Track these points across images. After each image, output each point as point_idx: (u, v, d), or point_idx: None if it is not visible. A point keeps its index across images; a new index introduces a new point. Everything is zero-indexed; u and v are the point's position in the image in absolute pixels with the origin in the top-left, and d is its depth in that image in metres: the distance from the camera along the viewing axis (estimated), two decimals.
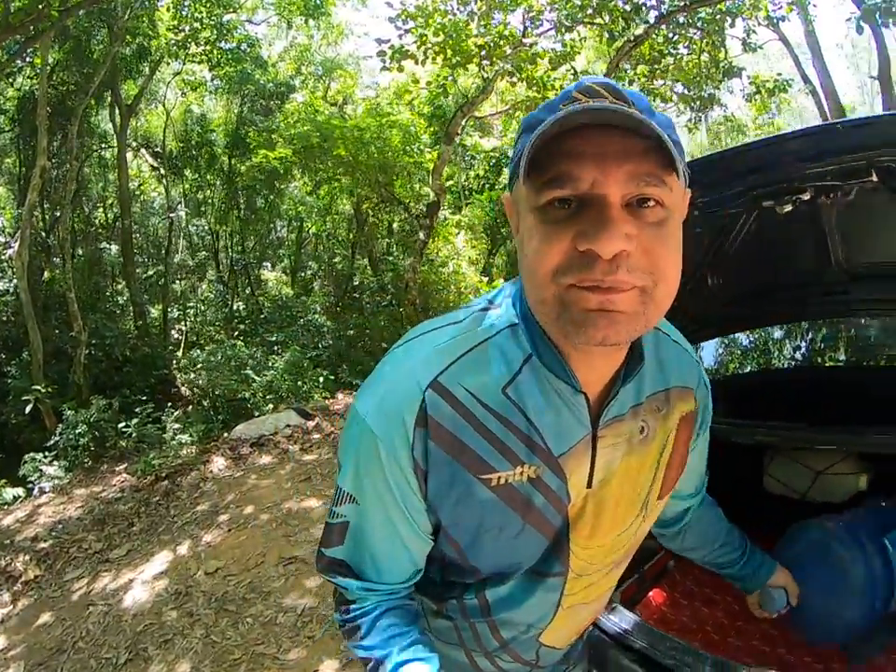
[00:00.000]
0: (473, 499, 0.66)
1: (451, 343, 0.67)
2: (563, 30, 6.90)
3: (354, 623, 0.75)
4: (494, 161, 12.24)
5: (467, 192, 12.12)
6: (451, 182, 10.95)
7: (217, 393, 6.83)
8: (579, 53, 7.90)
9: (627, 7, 6.11)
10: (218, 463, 4.68)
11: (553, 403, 0.66)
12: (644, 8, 6.18)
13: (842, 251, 1.55)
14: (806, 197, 1.23)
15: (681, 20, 6.72)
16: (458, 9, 6.39)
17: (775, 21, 7.83)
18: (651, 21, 6.53)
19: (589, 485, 0.70)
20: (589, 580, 0.78)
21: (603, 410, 0.68)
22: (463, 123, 7.74)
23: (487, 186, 12.33)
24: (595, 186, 0.53)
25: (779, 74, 8.70)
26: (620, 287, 0.54)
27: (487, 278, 10.56)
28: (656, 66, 7.85)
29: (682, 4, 5.97)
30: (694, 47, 7.57)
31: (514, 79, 7.09)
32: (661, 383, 0.74)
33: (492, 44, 6.19)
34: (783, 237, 1.59)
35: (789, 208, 1.26)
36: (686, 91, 8.38)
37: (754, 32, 7.45)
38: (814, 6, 6.54)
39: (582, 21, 6.70)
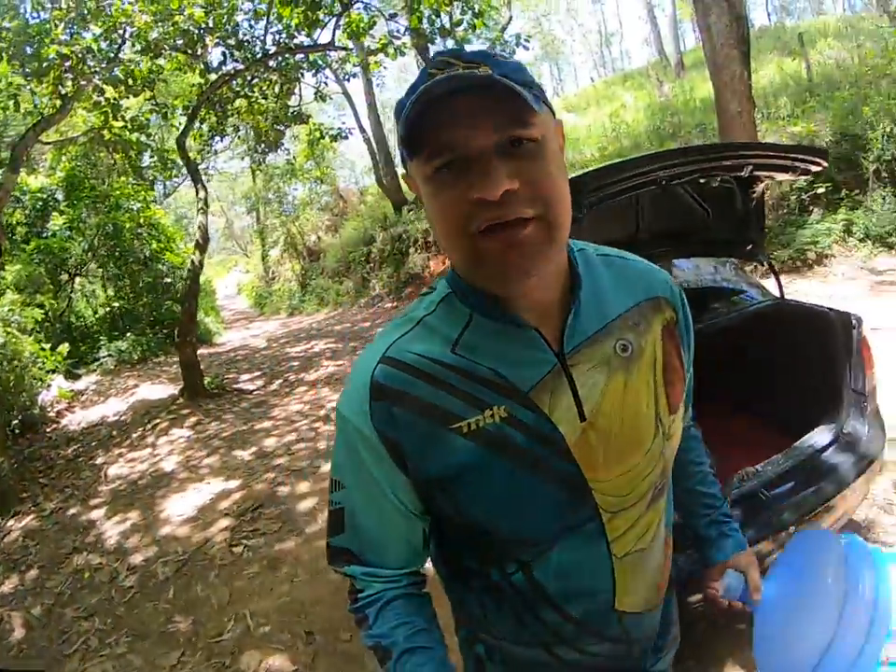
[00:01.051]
0: (451, 451, 0.69)
1: (393, 327, 0.76)
2: (150, 55, 6.40)
3: (362, 613, 0.79)
4: (41, 203, 10.09)
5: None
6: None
7: None
8: (160, 81, 7.43)
9: (231, 41, 6.15)
10: None
11: (507, 346, 0.71)
12: (247, 45, 6.35)
13: (644, 223, 2.34)
14: (624, 197, 1.92)
15: (272, 62, 7.15)
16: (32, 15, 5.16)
17: (345, 76, 9.15)
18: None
19: (583, 418, 0.71)
20: (630, 516, 0.75)
21: (563, 339, 0.72)
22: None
23: (34, 234, 10.09)
24: (468, 144, 0.60)
25: (343, 122, 10.22)
26: (519, 221, 0.61)
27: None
28: (229, 107, 7.98)
29: (288, 45, 6.40)
30: (269, 91, 8.12)
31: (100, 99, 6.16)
32: (628, 299, 0.77)
33: (79, 55, 5.25)
34: (616, 217, 2.26)
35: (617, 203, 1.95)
36: (253, 133, 8.88)
37: (325, 84, 8.54)
38: (385, 67, 7.88)
39: (174, 48, 6.38)
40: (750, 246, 2.61)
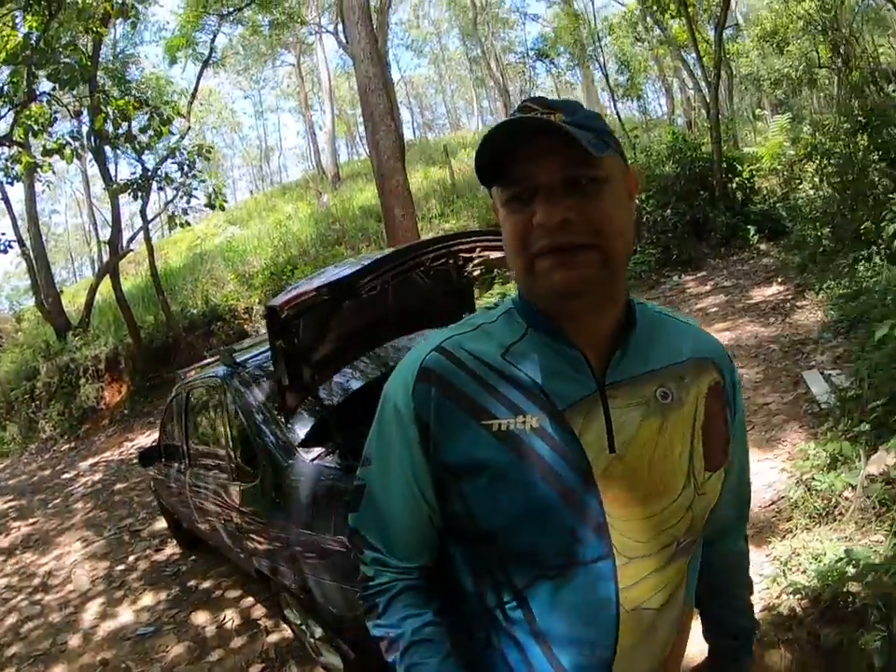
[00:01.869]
0: (477, 443, 0.72)
1: (453, 327, 0.83)
2: None
3: (372, 602, 0.81)
4: None
5: None
6: None
7: None
8: None
9: None
10: None
11: (553, 362, 0.75)
12: None
13: (392, 305, 2.84)
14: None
15: None
16: None
17: (9, 180, 7.91)
18: None
19: (612, 449, 0.72)
20: (645, 566, 0.73)
21: (607, 370, 0.75)
22: None
23: None
24: (537, 178, 0.69)
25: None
26: (572, 245, 0.68)
27: None
28: None
29: None
30: None
31: None
32: (678, 354, 0.80)
33: None
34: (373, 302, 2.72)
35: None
36: None
37: None
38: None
39: None
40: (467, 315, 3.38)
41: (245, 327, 10.07)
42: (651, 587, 0.74)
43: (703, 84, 10.59)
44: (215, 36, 14.89)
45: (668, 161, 10.51)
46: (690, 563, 0.81)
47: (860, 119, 6.48)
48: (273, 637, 2.90)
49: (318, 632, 2.38)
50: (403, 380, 0.77)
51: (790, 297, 6.70)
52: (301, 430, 2.34)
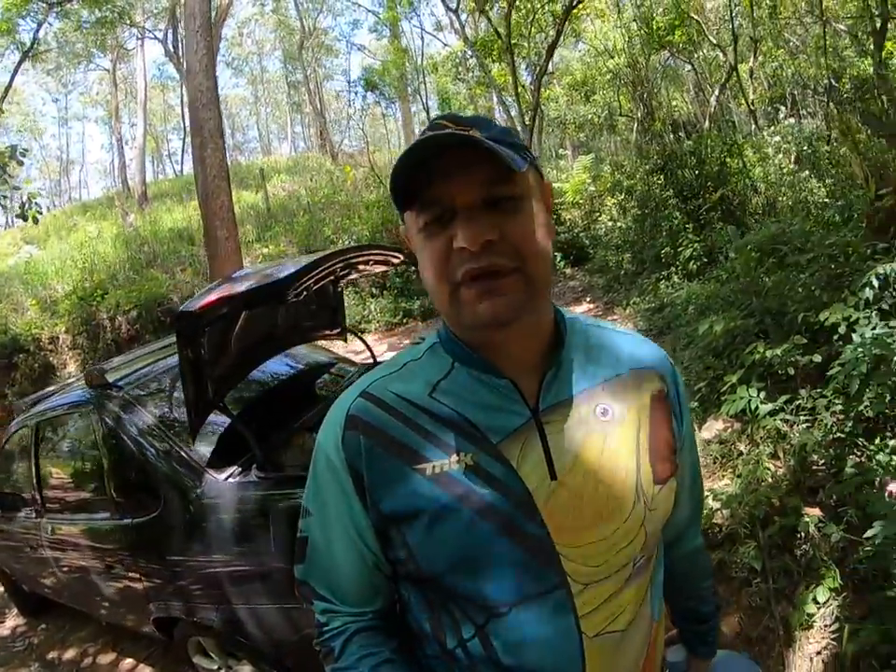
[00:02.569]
0: (412, 489, 0.70)
1: (378, 369, 0.81)
2: None
3: (328, 647, 0.79)
4: None
5: None
6: None
7: None
8: None
9: None
10: None
11: (482, 394, 0.73)
12: None
13: (281, 320, 2.82)
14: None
15: None
16: None
17: None
18: None
19: (553, 476, 0.71)
20: (602, 591, 0.72)
21: (539, 395, 0.73)
22: None
23: None
24: (454, 199, 0.66)
25: None
26: (496, 270, 0.66)
27: None
28: None
29: None
30: None
31: None
32: (614, 368, 0.78)
33: None
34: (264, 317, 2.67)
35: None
36: None
37: None
38: None
39: None
40: (338, 329, 3.41)
41: (52, 359, 8.71)
42: (611, 611, 0.73)
43: (519, 125, 11.85)
44: (39, 26, 13.05)
45: None
46: (652, 578, 0.79)
47: (658, 161, 7.67)
48: None
49: (246, 671, 2.20)
50: (333, 429, 0.76)
51: (600, 313, 7.77)
52: (205, 450, 2.16)
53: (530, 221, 0.69)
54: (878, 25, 6.78)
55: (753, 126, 9.65)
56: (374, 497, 0.72)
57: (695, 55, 12.10)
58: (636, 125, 13.59)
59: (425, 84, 14.25)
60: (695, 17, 10.87)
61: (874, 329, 2.48)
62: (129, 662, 2.96)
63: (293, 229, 11.71)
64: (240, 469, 2.07)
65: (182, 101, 25.50)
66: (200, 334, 1.95)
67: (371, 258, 2.87)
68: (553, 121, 17.00)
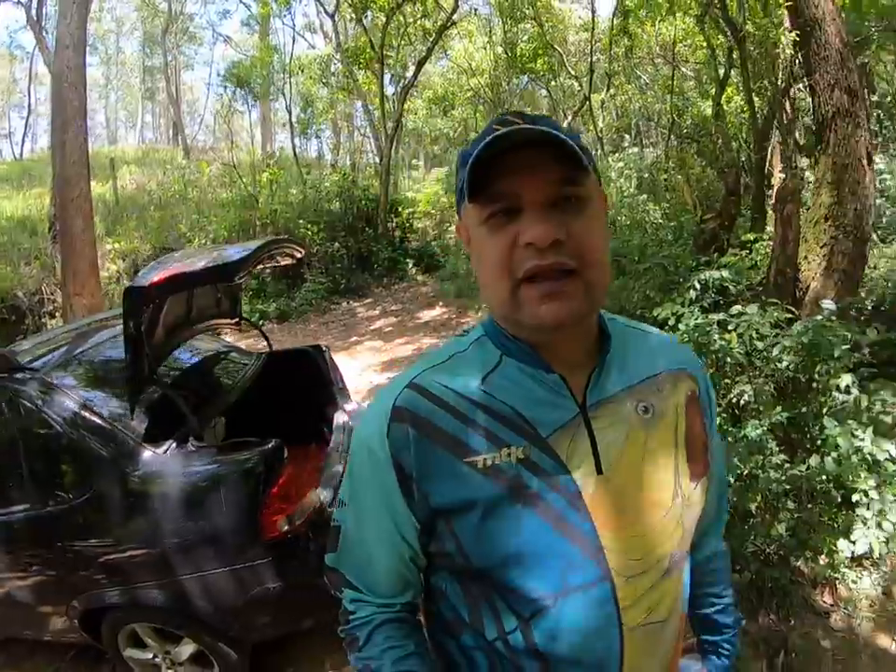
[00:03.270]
0: (463, 483, 0.72)
1: (424, 360, 0.82)
2: None
3: (353, 635, 0.82)
4: None
5: None
6: None
7: None
8: None
9: None
10: None
11: (532, 389, 0.75)
12: None
13: (194, 309, 2.88)
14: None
15: None
16: None
17: None
18: None
19: (600, 471, 0.73)
20: (643, 584, 0.74)
21: (586, 392, 0.76)
22: None
23: None
24: (524, 195, 0.67)
25: None
26: (560, 271, 0.68)
27: None
28: None
29: None
30: None
31: None
32: (653, 367, 0.82)
33: None
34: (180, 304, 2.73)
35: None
36: None
37: None
38: None
39: None
40: (237, 319, 3.50)
41: None
42: (650, 604, 0.75)
43: (381, 134, 12.25)
44: None
45: (336, 199, 11.80)
46: (684, 572, 0.82)
47: None
48: None
49: (188, 650, 2.24)
50: (377, 421, 0.76)
51: (453, 316, 8.44)
52: (137, 426, 2.17)
53: (593, 224, 0.71)
54: (721, 74, 8.01)
55: (600, 151, 10.92)
56: (423, 489, 0.73)
57: (552, 82, 13.33)
58: None
59: (290, 84, 14.11)
60: (558, 48, 12.00)
61: (696, 320, 3.21)
62: None
63: (145, 224, 11.05)
64: (175, 442, 2.14)
65: (30, 75, 22.79)
66: (145, 310, 2.02)
67: (285, 249, 3.04)
68: (409, 132, 17.61)
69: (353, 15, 11.68)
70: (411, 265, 11.22)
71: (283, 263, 3.14)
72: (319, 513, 2.19)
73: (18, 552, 2.26)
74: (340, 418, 3.09)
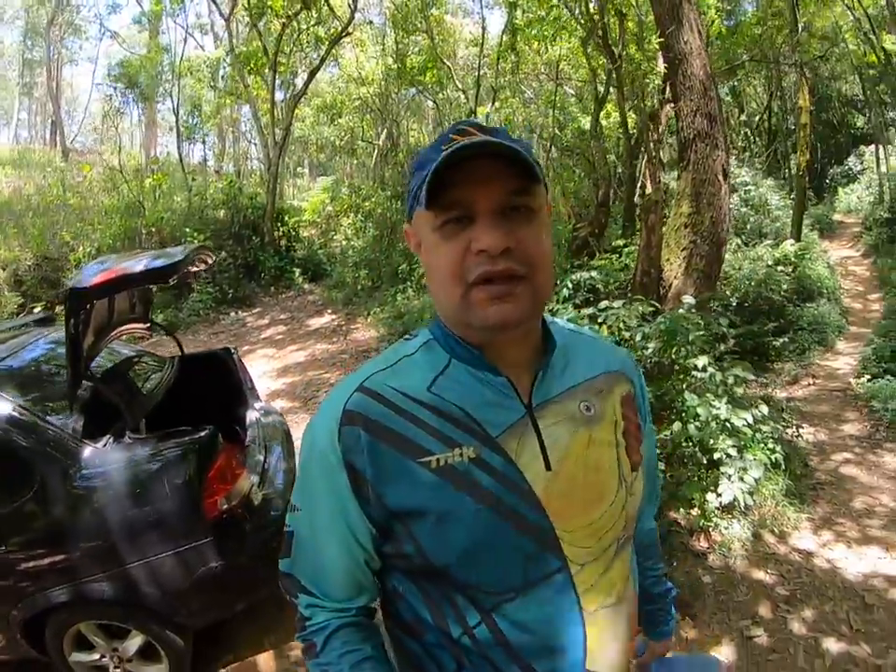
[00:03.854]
0: (418, 483, 0.74)
1: (372, 363, 0.85)
2: None
3: (310, 641, 0.84)
4: None
5: None
6: None
7: None
8: None
9: None
10: None
11: (480, 391, 0.79)
12: None
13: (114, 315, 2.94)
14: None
15: None
16: None
17: None
18: None
19: (548, 467, 0.77)
20: (596, 569, 0.80)
21: (532, 392, 0.80)
22: None
23: None
24: (477, 203, 0.71)
25: None
26: (511, 275, 0.72)
27: None
28: None
29: None
30: None
31: None
32: (593, 369, 0.87)
33: None
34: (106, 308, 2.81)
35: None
36: None
37: None
38: None
39: None
40: (148, 324, 3.56)
41: None
42: (605, 586, 0.80)
43: (269, 141, 12.21)
44: None
45: (223, 207, 11.71)
46: (630, 554, 0.88)
47: (399, 189, 9.06)
48: None
49: (135, 644, 2.33)
50: (327, 425, 0.78)
51: (343, 323, 8.77)
52: (77, 423, 2.25)
53: (540, 232, 0.75)
54: (601, 92, 8.76)
55: None
56: (378, 491, 0.75)
57: (440, 94, 13.89)
58: (376, 151, 14.93)
59: (179, 86, 13.64)
60: (446, 62, 12.54)
61: (569, 315, 3.81)
62: None
63: (24, 231, 10.29)
64: (112, 436, 2.25)
65: None
66: (84, 310, 2.13)
67: (201, 255, 3.17)
68: (295, 140, 17.57)
69: (248, 19, 11.56)
70: (297, 274, 11.28)
71: (196, 269, 3.27)
72: (249, 496, 2.39)
73: None
74: (252, 415, 3.30)
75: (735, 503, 3.18)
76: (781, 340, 6.97)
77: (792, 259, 8.17)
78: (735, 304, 7.16)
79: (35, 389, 2.43)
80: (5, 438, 2.15)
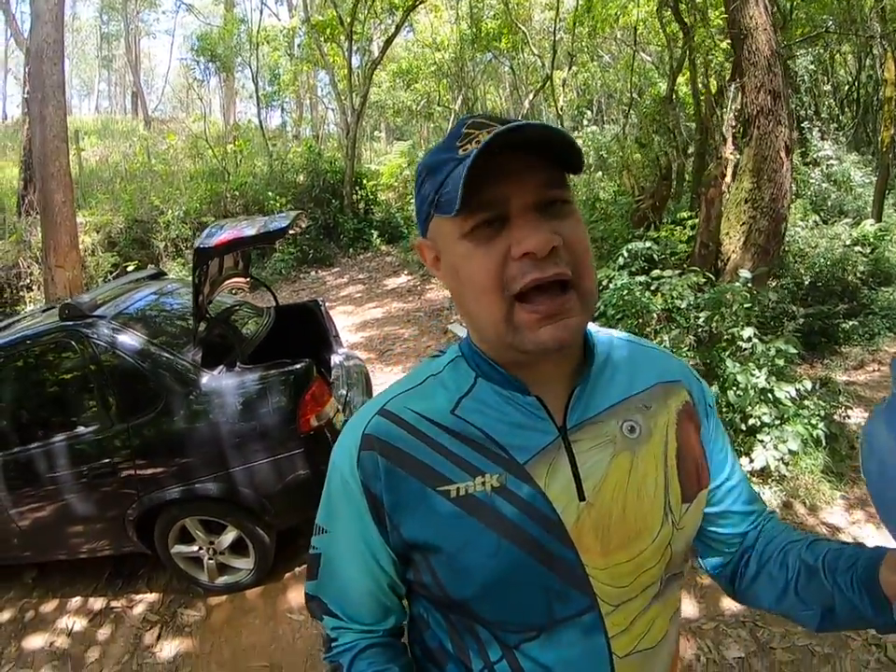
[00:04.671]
0: (435, 513, 0.70)
1: (397, 384, 0.81)
2: None
3: (336, 662, 0.82)
4: None
5: None
6: None
7: None
8: None
9: None
10: None
11: (507, 412, 0.73)
12: None
13: (223, 269, 3.54)
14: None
15: None
16: None
17: None
18: None
19: (582, 497, 0.71)
20: (630, 611, 0.73)
21: (567, 413, 0.73)
22: None
23: None
24: (509, 201, 0.63)
25: None
26: (563, 280, 0.64)
27: None
28: None
29: None
30: None
31: None
32: (640, 382, 0.79)
33: None
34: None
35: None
36: None
37: None
38: None
39: None
40: (248, 278, 4.15)
41: None
42: (640, 630, 0.74)
43: (347, 107, 12.75)
44: None
45: (303, 171, 12.37)
46: (674, 593, 0.80)
47: None
48: (138, 609, 2.97)
49: (229, 538, 2.84)
50: (347, 449, 0.76)
51: (418, 283, 9.27)
52: (197, 355, 2.81)
53: (581, 227, 0.68)
54: (678, 57, 8.74)
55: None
56: (395, 520, 0.72)
57: (516, 59, 13.95)
58: (452, 115, 15.18)
59: (257, 56, 14.35)
60: (522, 27, 12.61)
61: (623, 281, 4.11)
62: (76, 601, 3.10)
63: (114, 196, 11.34)
64: (225, 366, 2.80)
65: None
66: (206, 265, 2.67)
67: (300, 221, 3.65)
68: (372, 104, 18.06)
69: None
70: (375, 236, 11.84)
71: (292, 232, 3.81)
72: (333, 421, 2.87)
73: (79, 472, 2.72)
74: (336, 359, 3.89)
75: (769, 470, 3.36)
76: (851, 323, 6.90)
77: (871, 239, 7.94)
78: (808, 283, 7.13)
79: (158, 329, 3.02)
80: (137, 365, 2.72)
